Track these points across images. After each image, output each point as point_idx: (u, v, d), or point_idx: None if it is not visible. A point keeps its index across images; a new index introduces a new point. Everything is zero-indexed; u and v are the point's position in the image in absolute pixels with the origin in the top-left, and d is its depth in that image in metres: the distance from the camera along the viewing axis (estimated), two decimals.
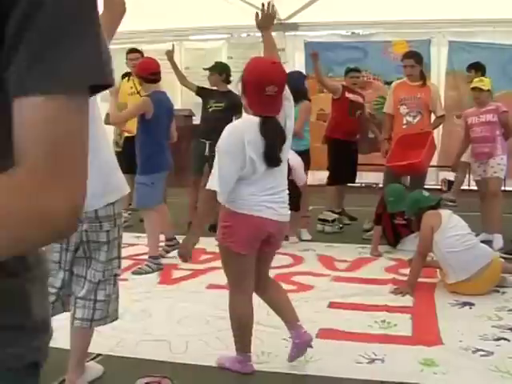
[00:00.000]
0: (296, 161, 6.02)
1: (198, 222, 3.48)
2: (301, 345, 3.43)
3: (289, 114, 3.34)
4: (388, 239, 6.40)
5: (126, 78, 7.21)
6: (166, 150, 5.61)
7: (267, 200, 3.23)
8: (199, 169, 7.10)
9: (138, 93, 6.51)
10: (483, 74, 8.49)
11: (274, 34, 12.39)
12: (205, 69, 7.40)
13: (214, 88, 7.25)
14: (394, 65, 9.26)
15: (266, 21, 3.74)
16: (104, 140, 3.03)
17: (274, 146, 3.19)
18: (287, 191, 3.38)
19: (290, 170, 5.86)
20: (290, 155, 3.70)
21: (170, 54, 7.20)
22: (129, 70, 7.23)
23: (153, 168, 5.47)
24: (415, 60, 6.70)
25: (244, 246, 3.24)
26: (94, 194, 2.92)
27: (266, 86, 3.14)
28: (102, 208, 2.92)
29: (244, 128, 3.23)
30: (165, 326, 3.97)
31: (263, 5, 3.78)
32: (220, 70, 7.23)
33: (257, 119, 3.19)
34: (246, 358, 3.42)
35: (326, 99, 9.21)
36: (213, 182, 3.16)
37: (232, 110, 7.07)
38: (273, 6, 3.74)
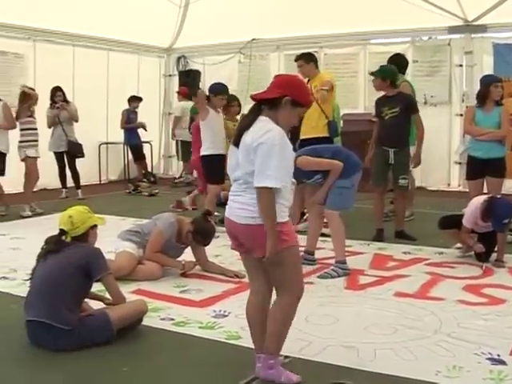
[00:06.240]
0: None
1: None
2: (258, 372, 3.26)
3: None
4: None
5: None
6: None
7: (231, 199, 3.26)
8: (384, 177, 7.03)
9: None
10: None
11: (460, 36, 11.96)
12: (370, 73, 7.20)
13: (384, 94, 6.94)
14: None
15: None
16: None
17: None
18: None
19: None
20: None
21: None
22: None
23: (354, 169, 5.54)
24: None
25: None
26: None
27: None
28: None
29: None
30: (352, 331, 3.99)
31: None
32: (383, 75, 6.84)
33: None
34: (276, 361, 3.26)
35: None
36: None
37: (407, 111, 6.83)
38: None
